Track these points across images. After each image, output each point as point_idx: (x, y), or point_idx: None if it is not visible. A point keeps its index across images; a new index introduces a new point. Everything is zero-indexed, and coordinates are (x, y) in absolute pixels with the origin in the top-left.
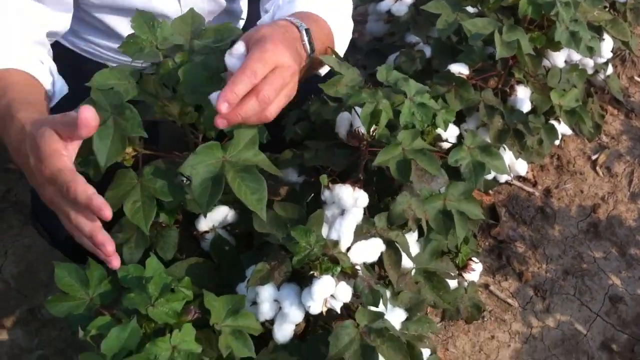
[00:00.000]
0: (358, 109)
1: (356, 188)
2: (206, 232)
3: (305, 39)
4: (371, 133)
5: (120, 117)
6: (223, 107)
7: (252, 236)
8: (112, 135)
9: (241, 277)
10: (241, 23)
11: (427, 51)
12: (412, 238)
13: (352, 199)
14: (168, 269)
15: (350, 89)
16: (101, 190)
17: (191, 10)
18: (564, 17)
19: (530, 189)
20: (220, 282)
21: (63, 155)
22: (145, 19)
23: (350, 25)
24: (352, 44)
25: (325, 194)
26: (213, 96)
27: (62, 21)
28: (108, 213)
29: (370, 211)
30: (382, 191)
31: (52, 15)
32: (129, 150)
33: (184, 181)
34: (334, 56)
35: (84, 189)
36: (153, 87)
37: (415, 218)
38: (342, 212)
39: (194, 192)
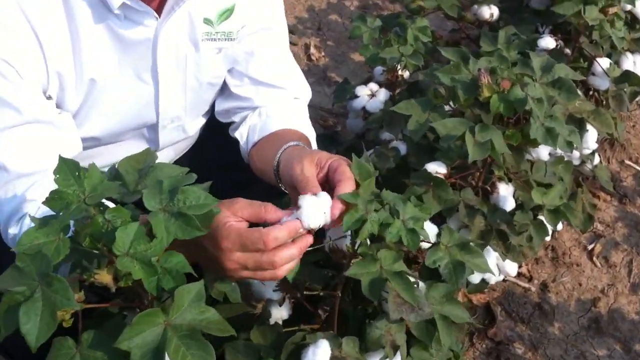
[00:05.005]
0: None
1: None
2: None
3: None
4: (355, 247)
5: (49, 288)
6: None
7: None
8: (40, 311)
9: None
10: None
11: (402, 148)
12: None
13: None
14: None
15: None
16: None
17: (147, 149)
18: (538, 113)
19: (526, 285)
20: None
21: (231, 221)
22: (69, 168)
23: (310, 124)
24: (333, 139)
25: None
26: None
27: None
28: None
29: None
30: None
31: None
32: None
33: None
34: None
35: (279, 232)
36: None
37: (394, 345)
38: None
39: None
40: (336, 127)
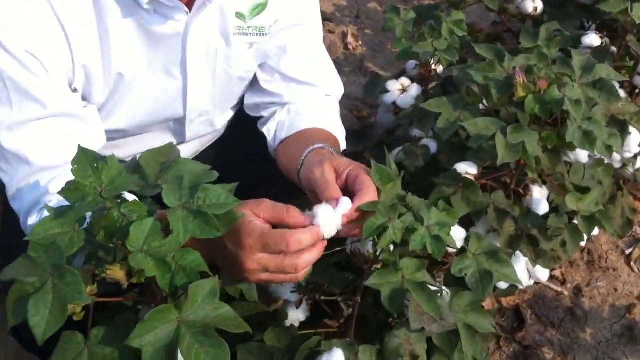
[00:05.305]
0: None
1: None
2: None
3: None
4: (377, 253)
5: (60, 280)
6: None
7: None
8: (50, 304)
9: None
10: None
11: (433, 146)
12: None
13: None
14: None
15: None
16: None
17: (170, 143)
18: (575, 116)
19: (559, 288)
20: None
21: (255, 221)
22: (88, 158)
23: (340, 123)
24: (362, 134)
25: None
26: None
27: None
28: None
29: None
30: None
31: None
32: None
33: None
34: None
35: (303, 235)
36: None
37: (413, 354)
38: None
39: None
40: (370, 119)
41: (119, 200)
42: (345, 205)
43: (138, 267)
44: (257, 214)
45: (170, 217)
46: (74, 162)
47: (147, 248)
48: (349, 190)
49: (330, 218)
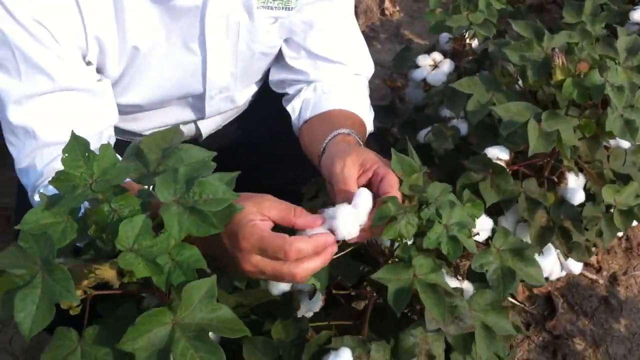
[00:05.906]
0: None
1: None
2: None
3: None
4: (394, 247)
5: (49, 276)
6: None
7: None
8: (38, 299)
9: None
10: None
11: (463, 127)
12: None
13: None
14: None
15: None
16: None
17: (176, 127)
18: (616, 103)
19: (594, 276)
20: None
21: (256, 220)
22: (80, 147)
23: (369, 104)
24: (390, 110)
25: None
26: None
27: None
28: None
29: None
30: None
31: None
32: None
33: None
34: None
35: (303, 244)
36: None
37: (430, 354)
38: None
39: None
40: (404, 90)
41: (116, 189)
42: (365, 196)
43: (127, 268)
44: (260, 211)
45: (163, 214)
46: (64, 150)
47: (137, 247)
48: (373, 188)
49: (351, 218)
